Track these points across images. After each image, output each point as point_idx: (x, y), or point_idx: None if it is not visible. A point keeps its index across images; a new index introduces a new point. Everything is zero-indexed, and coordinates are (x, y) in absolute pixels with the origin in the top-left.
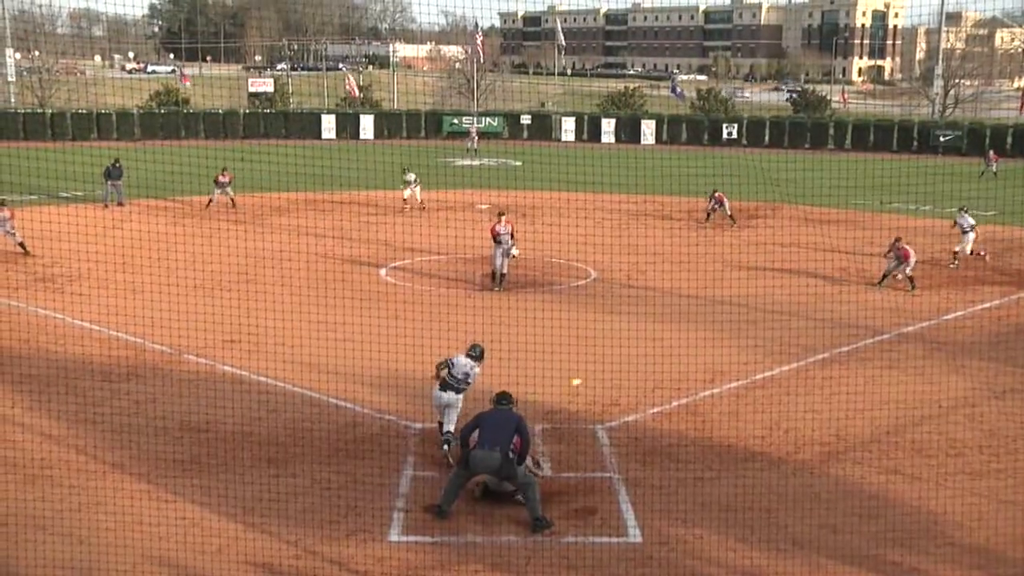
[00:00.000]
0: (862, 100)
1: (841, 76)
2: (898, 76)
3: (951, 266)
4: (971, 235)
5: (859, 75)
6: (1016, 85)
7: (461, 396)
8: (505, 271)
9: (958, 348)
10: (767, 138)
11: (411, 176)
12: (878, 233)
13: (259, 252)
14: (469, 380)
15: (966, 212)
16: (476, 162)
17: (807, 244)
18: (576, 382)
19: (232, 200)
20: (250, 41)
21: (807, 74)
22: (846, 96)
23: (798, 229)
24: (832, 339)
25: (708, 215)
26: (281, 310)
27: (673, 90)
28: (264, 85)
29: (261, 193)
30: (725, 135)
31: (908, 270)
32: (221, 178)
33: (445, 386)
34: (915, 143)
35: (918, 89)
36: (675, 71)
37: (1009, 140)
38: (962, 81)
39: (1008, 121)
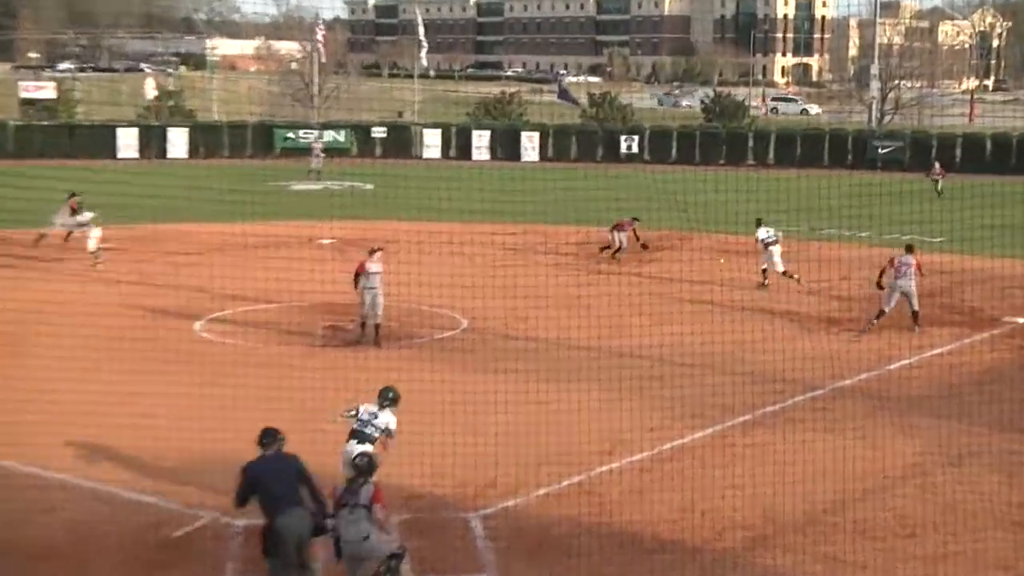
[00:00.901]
0: (790, 104)
1: (761, 76)
2: (828, 76)
3: (763, 285)
4: (776, 249)
5: (782, 75)
6: (964, 87)
7: (368, 449)
8: (379, 320)
9: (906, 404)
10: (674, 152)
11: (85, 216)
12: (808, 266)
13: (30, 305)
14: (377, 425)
15: (764, 226)
16: (318, 186)
17: (724, 281)
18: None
19: (68, 235)
20: (23, 33)
21: (721, 74)
22: (767, 104)
23: (713, 263)
24: (756, 397)
25: (609, 249)
26: (60, 380)
27: (561, 94)
28: (42, 90)
29: (34, 228)
30: (624, 149)
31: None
32: (72, 211)
33: (352, 434)
34: (850, 156)
35: (851, 92)
36: (562, 72)
37: (958, 152)
38: (902, 82)
39: (955, 130)
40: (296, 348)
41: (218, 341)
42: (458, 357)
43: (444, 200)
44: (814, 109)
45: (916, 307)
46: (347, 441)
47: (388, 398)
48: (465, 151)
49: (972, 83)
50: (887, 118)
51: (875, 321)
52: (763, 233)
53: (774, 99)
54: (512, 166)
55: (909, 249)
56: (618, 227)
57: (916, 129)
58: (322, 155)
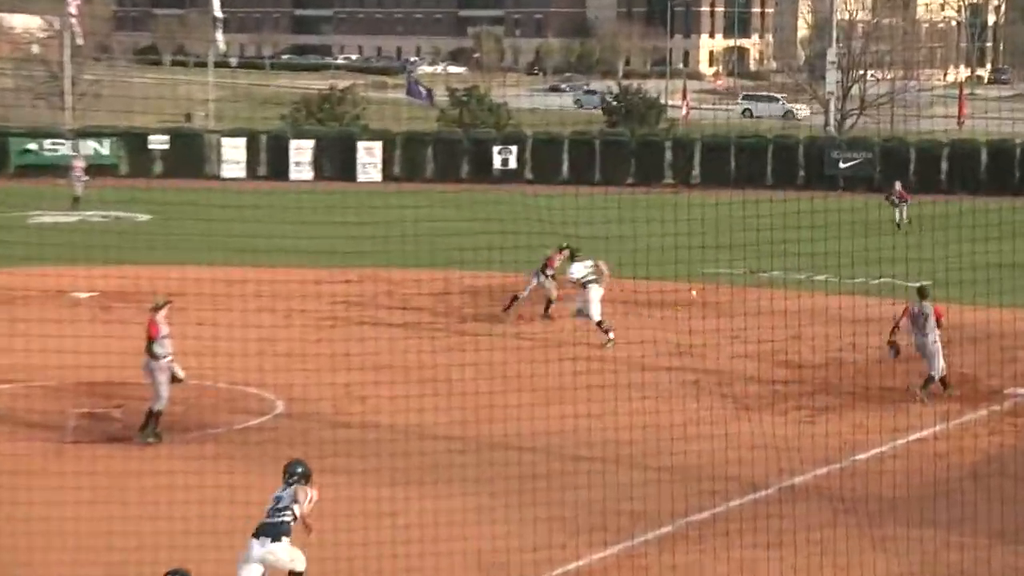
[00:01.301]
0: (717, 104)
1: (682, 65)
2: (771, 64)
3: (573, 316)
4: (595, 291)
5: (710, 63)
6: (951, 78)
7: (280, 548)
8: (162, 406)
9: (878, 508)
10: (565, 168)
11: None
12: (745, 320)
13: None
14: (285, 507)
15: (580, 259)
16: (71, 218)
17: (636, 342)
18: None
19: None
20: None
21: (628, 62)
22: (689, 102)
23: (621, 319)
24: (679, 501)
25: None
26: None
27: (411, 90)
28: None
29: None
30: (498, 164)
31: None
32: None
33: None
34: (801, 172)
35: (802, 85)
36: (413, 60)
37: (943, 166)
38: (869, 73)
39: (940, 136)
40: (38, 446)
41: None
42: (269, 454)
43: (251, 237)
44: (802, 111)
45: (939, 370)
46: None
47: (296, 474)
48: (280, 168)
49: (961, 73)
50: (850, 121)
51: (923, 391)
52: (579, 270)
53: (746, 96)
54: (345, 188)
55: (922, 294)
56: (548, 265)
57: (888, 135)
58: (85, 177)
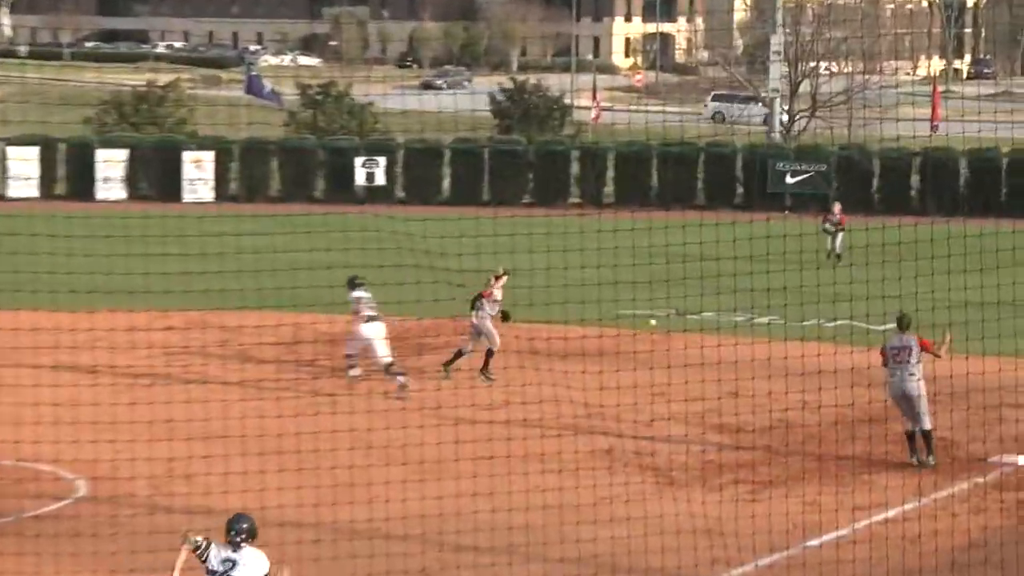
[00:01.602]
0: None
1: (592, 55)
2: (702, 56)
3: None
4: (377, 328)
5: (626, 53)
6: (924, 72)
7: None
8: None
9: None
10: (446, 185)
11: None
12: (670, 374)
13: None
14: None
15: (362, 287)
16: None
17: (534, 401)
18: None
19: None
20: None
21: (524, 52)
22: (600, 102)
23: (515, 372)
24: None
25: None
26: None
27: (252, 86)
28: None
29: None
30: (361, 179)
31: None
32: None
33: None
34: (740, 188)
35: (740, 81)
36: (254, 49)
37: (914, 180)
38: (823, 65)
39: (911, 143)
40: None
41: None
42: (66, 550)
43: (45, 273)
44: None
45: (925, 423)
46: None
47: (242, 531)
48: (83, 185)
49: (935, 66)
50: (799, 125)
51: (930, 457)
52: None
53: (717, 97)
54: (167, 210)
55: (902, 323)
56: (484, 296)
57: (846, 143)
58: None
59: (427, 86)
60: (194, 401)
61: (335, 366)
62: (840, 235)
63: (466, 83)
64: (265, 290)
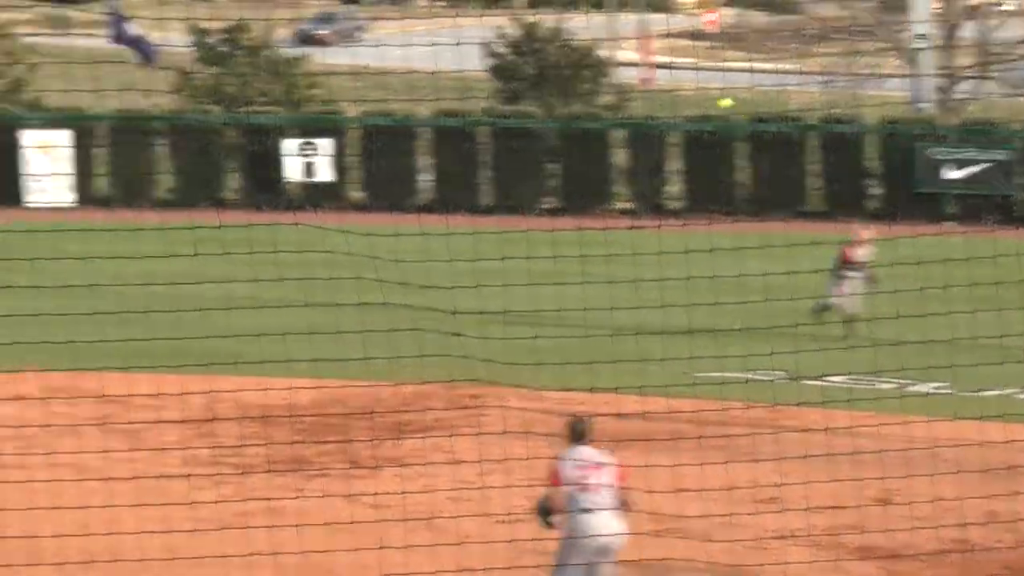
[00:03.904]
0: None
1: None
2: None
3: None
4: None
5: None
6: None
7: None
8: None
9: None
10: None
11: None
12: (778, 469)
13: None
14: None
15: None
16: None
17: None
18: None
19: None
20: None
21: None
22: (652, 55)
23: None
24: None
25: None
26: None
27: (122, 35)
28: None
29: None
30: (295, 172)
31: None
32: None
33: None
34: (872, 188)
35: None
36: None
37: None
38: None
39: None
40: None
41: None
42: None
43: None
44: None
45: None
46: None
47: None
48: None
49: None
50: (963, 89)
51: None
52: None
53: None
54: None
55: None
56: None
57: None
58: None
59: (305, 39)
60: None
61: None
62: (857, 278)
63: (357, 32)
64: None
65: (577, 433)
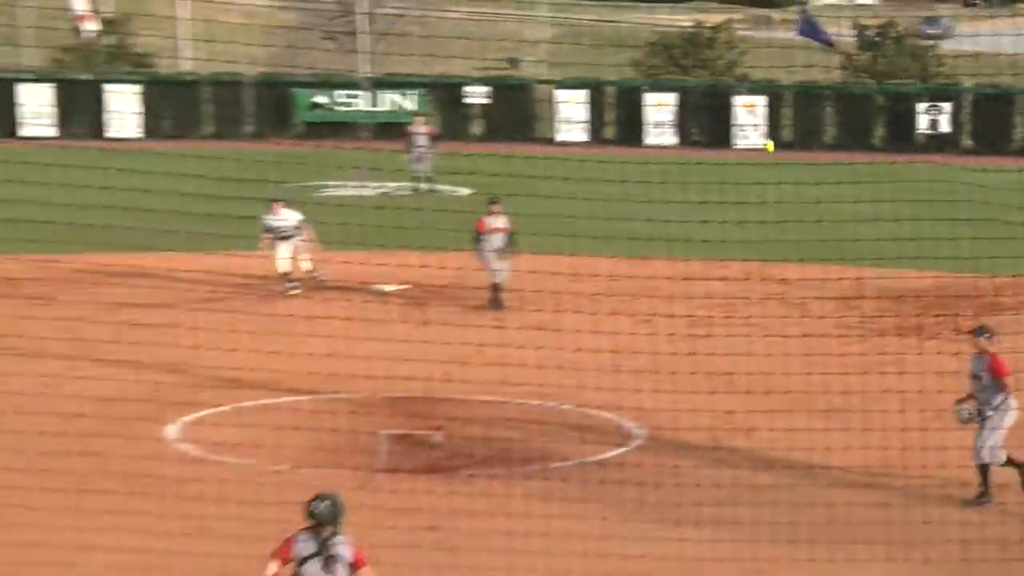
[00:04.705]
0: None
1: None
2: None
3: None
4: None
5: None
6: None
7: None
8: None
9: None
10: (1018, 133)
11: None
12: None
13: None
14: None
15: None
16: (370, 190)
17: None
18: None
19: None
20: None
21: None
22: None
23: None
24: None
25: None
26: None
27: (805, 28)
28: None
29: None
30: (923, 126)
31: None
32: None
33: None
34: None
35: None
36: None
37: None
38: None
39: None
40: (343, 475)
41: (209, 459)
42: (630, 498)
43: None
44: None
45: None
46: None
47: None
48: (632, 131)
49: None
50: None
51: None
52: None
53: None
54: (715, 157)
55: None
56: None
57: None
58: (431, 149)
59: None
60: (754, 354)
61: (899, 324)
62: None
63: (948, 30)
64: (827, 242)
65: None
